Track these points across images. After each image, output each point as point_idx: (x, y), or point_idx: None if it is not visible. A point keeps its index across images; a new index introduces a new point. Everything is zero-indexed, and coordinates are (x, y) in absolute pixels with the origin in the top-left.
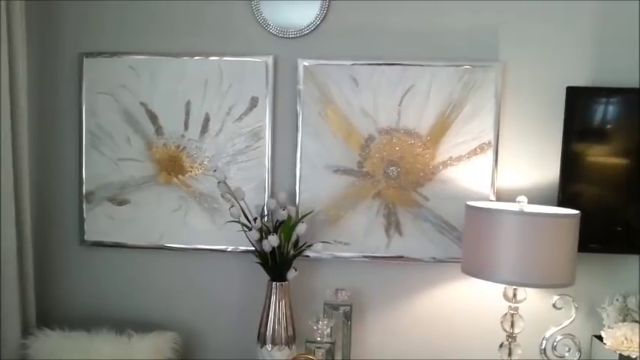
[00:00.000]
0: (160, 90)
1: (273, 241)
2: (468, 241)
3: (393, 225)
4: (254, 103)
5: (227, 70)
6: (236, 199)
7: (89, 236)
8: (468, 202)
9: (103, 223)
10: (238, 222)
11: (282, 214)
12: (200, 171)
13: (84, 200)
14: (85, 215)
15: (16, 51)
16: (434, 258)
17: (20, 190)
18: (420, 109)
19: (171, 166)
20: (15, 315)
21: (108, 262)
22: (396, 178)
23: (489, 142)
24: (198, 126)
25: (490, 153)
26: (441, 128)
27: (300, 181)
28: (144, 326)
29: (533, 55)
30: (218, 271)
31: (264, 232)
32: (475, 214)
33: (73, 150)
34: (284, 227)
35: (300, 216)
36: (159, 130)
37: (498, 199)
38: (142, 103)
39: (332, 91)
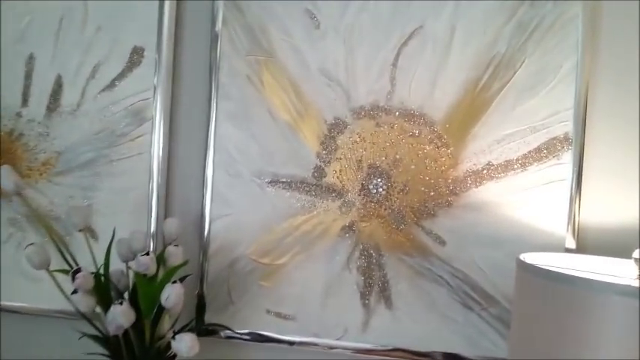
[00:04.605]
0: None
1: (119, 315)
2: (522, 340)
3: (375, 287)
4: (137, 58)
5: (93, 5)
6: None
7: None
8: (522, 256)
9: None
10: (56, 273)
11: (142, 264)
12: (44, 175)
13: None
14: None
15: None
16: (452, 355)
17: None
18: (433, 73)
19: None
20: None
21: None
22: (384, 199)
23: (566, 137)
24: (45, 98)
25: (567, 157)
26: (470, 109)
27: (211, 196)
28: None
29: None
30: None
31: (114, 299)
32: (538, 284)
33: None
34: (143, 291)
35: (199, 259)
36: None
37: (580, 246)
38: None
39: (273, 39)
